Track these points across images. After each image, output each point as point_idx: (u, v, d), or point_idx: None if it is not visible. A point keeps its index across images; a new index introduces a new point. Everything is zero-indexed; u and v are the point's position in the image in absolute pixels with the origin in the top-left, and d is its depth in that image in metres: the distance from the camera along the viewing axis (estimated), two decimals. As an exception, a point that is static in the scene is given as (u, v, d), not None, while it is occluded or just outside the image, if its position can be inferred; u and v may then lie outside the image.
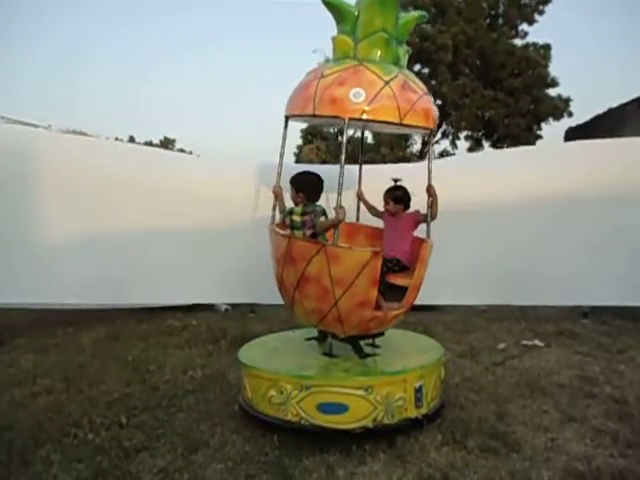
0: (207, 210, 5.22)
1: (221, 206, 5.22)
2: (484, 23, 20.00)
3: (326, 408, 2.66)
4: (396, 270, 3.15)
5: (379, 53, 2.83)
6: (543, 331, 5.12)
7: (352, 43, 2.84)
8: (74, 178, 4.94)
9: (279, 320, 5.06)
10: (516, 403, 3.24)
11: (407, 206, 3.31)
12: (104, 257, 4.89)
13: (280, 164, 3.23)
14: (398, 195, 3.28)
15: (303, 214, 2.96)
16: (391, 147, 21.14)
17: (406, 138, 21.93)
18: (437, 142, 23.15)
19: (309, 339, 3.37)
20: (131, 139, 31.76)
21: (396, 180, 3.34)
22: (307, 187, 3.03)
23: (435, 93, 20.53)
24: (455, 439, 2.72)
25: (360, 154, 3.77)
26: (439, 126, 22.00)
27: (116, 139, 30.94)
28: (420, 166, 3.30)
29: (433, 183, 3.14)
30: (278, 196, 3.19)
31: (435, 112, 2.95)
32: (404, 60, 2.97)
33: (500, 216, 5.37)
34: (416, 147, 22.90)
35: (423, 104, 2.83)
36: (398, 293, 3.06)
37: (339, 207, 2.74)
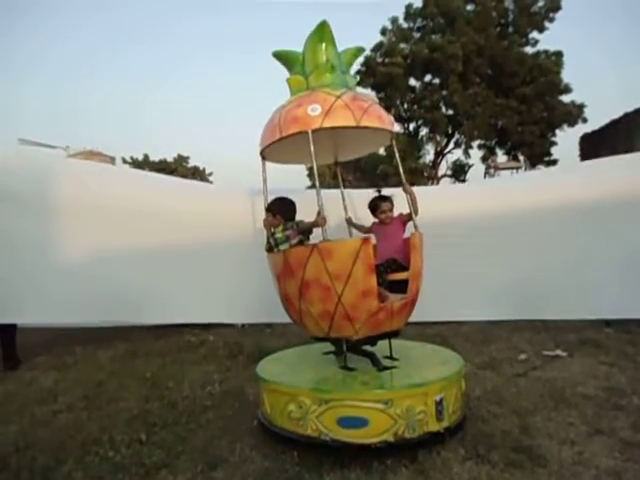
0: (220, 230, 5.29)
1: (234, 226, 5.29)
2: (494, 32, 20.02)
3: (346, 422, 2.63)
4: (394, 269, 3.24)
5: (328, 79, 3.14)
6: (565, 341, 5.02)
7: (303, 79, 3.20)
8: (89, 201, 5.05)
9: (296, 335, 5.05)
10: (540, 415, 3.16)
11: None
12: (118, 278, 4.96)
13: (265, 199, 3.48)
14: (391, 199, 3.51)
15: (284, 230, 3.25)
16: (403, 158, 21.13)
17: (418, 149, 21.93)
18: (450, 152, 23.14)
19: (327, 353, 3.36)
20: (145, 157, 32.25)
21: (379, 190, 3.61)
22: (283, 209, 3.35)
23: (447, 103, 20.58)
24: (478, 453, 2.65)
25: (341, 185, 4.12)
26: (451, 135, 22.01)
27: (131, 158, 31.50)
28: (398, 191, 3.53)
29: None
30: (267, 228, 3.40)
31: (390, 117, 3.20)
32: (352, 85, 3.27)
33: (515, 231, 5.38)
34: (429, 157, 22.87)
35: (375, 109, 3.08)
36: (401, 289, 3.12)
37: (319, 214, 2.97)
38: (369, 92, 18.80)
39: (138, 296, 5.05)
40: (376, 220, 3.55)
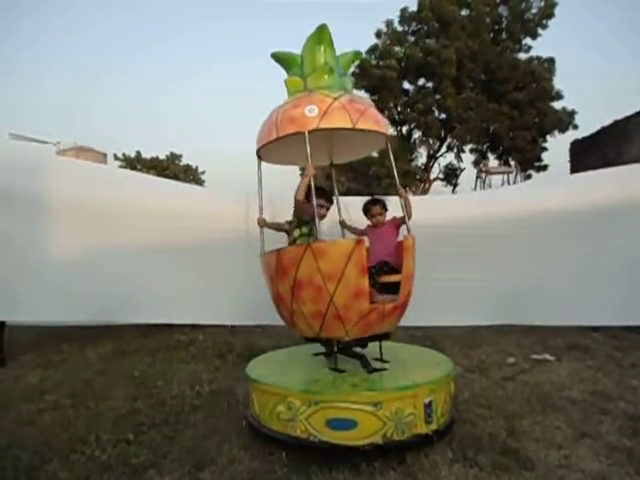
0: (211, 233, 5.29)
1: (225, 229, 5.28)
2: (488, 37, 20.13)
3: (335, 424, 2.63)
4: (386, 271, 3.25)
5: (326, 82, 3.18)
6: (553, 345, 5.06)
7: (301, 80, 3.23)
8: (82, 200, 5.02)
9: (286, 335, 5.03)
10: (527, 419, 3.19)
11: None
12: (109, 277, 4.92)
13: (260, 199, 3.56)
14: (384, 202, 3.56)
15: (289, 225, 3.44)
16: (396, 160, 21.19)
17: (410, 151, 22.00)
18: (442, 155, 23.24)
19: (317, 354, 3.35)
20: (138, 154, 32.00)
21: (372, 194, 3.69)
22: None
23: (440, 107, 20.66)
24: (466, 456, 2.67)
25: (335, 188, 4.15)
26: (444, 139, 22.10)
27: (123, 155, 31.25)
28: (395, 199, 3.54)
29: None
30: (261, 227, 3.52)
31: (386, 121, 3.27)
32: (350, 88, 3.32)
33: (504, 238, 5.47)
34: (421, 160, 22.94)
35: (371, 112, 3.12)
36: (393, 291, 3.12)
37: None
38: (363, 94, 18.83)
39: (128, 295, 5.01)
40: (370, 223, 3.59)
